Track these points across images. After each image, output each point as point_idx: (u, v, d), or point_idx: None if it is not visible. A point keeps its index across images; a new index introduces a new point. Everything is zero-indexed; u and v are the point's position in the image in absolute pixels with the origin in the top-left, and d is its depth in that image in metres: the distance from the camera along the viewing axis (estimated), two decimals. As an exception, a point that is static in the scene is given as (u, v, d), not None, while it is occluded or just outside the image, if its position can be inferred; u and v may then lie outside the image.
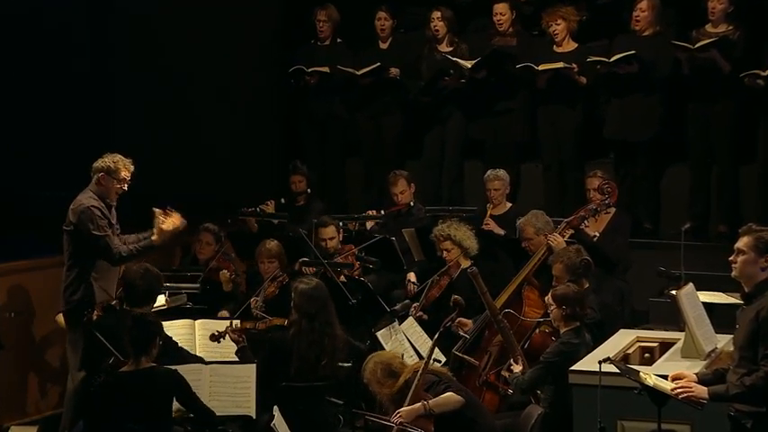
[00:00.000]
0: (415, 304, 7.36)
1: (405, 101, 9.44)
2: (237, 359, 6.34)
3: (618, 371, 5.21)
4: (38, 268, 7.60)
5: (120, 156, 6.78)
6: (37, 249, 7.69)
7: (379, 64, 9.20)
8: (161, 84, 9.21)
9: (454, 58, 8.93)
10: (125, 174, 6.75)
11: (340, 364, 6.25)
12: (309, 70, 9.58)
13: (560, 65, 8.53)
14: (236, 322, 6.58)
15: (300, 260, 7.61)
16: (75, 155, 7.42)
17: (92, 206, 6.62)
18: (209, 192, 9.03)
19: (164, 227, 6.74)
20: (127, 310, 6.15)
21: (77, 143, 8.30)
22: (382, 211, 8.54)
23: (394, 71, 9.26)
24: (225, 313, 7.40)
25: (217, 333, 6.46)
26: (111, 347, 5.84)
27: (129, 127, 9.08)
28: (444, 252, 7.47)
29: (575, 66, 8.53)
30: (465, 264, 7.44)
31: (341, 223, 8.11)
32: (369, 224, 8.54)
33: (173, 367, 5.56)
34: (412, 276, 7.87)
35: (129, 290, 6.22)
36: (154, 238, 6.75)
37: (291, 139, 10.10)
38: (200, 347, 6.63)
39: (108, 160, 6.75)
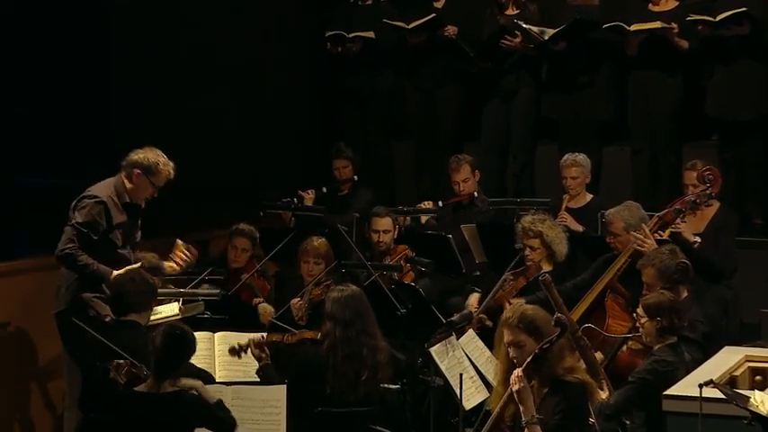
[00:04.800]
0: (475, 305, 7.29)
1: (463, 70, 9.41)
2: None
3: (723, 396, 5.16)
4: (27, 270, 7.64)
5: (164, 155, 6.73)
6: (26, 247, 7.75)
7: (434, 15, 9.18)
8: (171, 54, 9.27)
9: (527, 26, 8.88)
10: (164, 179, 6.72)
11: (387, 386, 6.24)
12: (350, 36, 9.59)
13: (657, 24, 8.45)
14: (261, 334, 6.60)
15: (342, 262, 7.64)
16: (69, 137, 7.47)
17: (99, 200, 6.62)
18: (232, 181, 9.08)
19: (178, 263, 6.82)
20: (128, 320, 6.18)
21: (69, 123, 8.35)
22: (440, 203, 8.53)
23: (451, 29, 9.23)
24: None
25: (237, 346, 6.49)
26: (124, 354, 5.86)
27: (132, 104, 9.14)
28: (528, 249, 7.46)
29: (674, 26, 8.45)
30: (546, 268, 7.43)
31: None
32: (423, 217, 8.53)
33: (193, 392, 5.57)
34: (473, 300, 7.79)
35: (118, 296, 6.26)
36: (114, 273, 6.61)
37: (329, 118, 10.11)
38: (221, 365, 6.66)
39: (151, 157, 6.69)
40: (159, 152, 6.77)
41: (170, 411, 5.41)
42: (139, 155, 6.73)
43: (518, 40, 8.97)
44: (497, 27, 9.10)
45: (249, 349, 6.43)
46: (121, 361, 5.74)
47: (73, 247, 6.60)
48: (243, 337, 6.61)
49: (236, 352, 6.49)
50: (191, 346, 5.58)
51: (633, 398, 5.97)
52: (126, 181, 6.75)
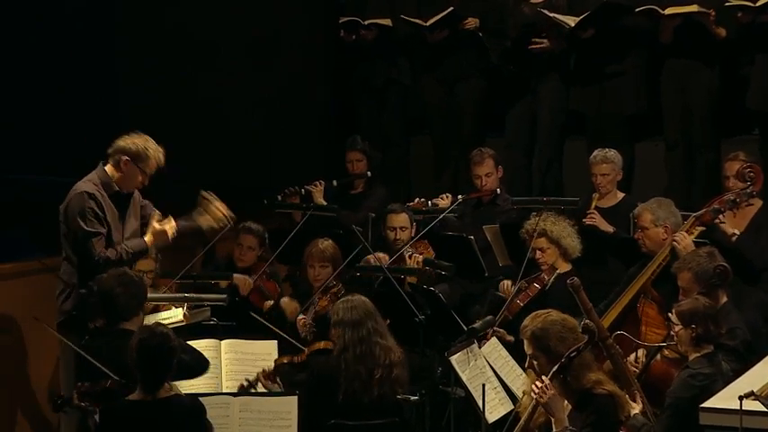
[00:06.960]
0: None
1: (485, 62, 9.39)
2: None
3: (765, 409, 5.16)
4: (23, 273, 7.66)
5: (152, 140, 6.68)
6: (22, 249, 7.75)
7: (452, 9, 9.18)
8: (179, 46, 9.28)
9: (552, 14, 8.86)
10: (154, 166, 6.67)
11: (405, 396, 6.22)
12: (366, 23, 9.59)
13: (694, 8, 8.43)
14: (269, 364, 6.58)
15: (356, 266, 7.63)
16: (70, 132, 7.49)
17: (86, 192, 6.61)
18: (239, 178, 9.08)
19: (158, 227, 6.74)
20: (120, 329, 6.08)
21: (71, 118, 8.38)
22: (459, 197, 8.53)
23: (471, 21, 9.25)
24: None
25: (246, 383, 6.49)
26: (105, 369, 5.83)
27: (137, 95, 9.16)
28: (537, 253, 7.45)
29: (712, 12, 8.42)
30: (563, 268, 7.41)
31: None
32: (440, 201, 8.51)
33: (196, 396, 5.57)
34: (506, 286, 7.77)
35: (108, 302, 6.12)
36: (147, 238, 6.75)
37: (342, 110, 10.10)
38: (228, 374, 6.66)
39: (139, 143, 6.65)
40: (148, 138, 6.70)
41: (169, 417, 5.39)
42: (126, 141, 6.67)
43: (547, 43, 8.94)
44: (522, 17, 9.06)
45: (259, 383, 6.45)
46: (87, 383, 5.70)
47: (102, 252, 6.57)
48: (251, 347, 6.61)
49: (245, 390, 6.48)
50: (171, 350, 5.44)
51: (676, 423, 5.89)
52: (113, 169, 6.70)
